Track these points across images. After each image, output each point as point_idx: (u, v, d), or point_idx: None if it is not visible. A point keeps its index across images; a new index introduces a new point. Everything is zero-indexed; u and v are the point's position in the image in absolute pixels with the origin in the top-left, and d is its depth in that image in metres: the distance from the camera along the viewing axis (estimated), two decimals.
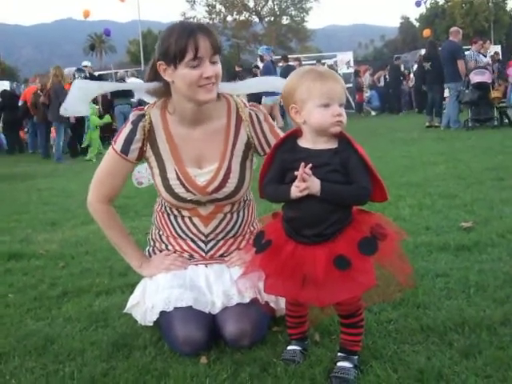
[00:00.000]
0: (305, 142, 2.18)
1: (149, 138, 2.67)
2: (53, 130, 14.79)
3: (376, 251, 2.12)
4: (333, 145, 2.14)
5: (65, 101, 2.91)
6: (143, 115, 2.67)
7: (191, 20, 60.03)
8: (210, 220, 2.71)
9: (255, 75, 15.18)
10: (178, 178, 2.63)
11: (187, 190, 2.63)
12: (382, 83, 25.29)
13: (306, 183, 2.07)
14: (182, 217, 2.73)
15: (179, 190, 2.63)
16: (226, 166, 2.65)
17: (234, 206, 2.73)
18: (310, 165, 2.06)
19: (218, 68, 2.50)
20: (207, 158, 2.66)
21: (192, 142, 2.65)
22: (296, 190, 2.09)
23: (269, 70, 14.49)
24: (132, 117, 2.69)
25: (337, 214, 2.14)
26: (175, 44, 2.41)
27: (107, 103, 16.42)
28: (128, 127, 2.68)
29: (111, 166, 2.74)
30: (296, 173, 2.08)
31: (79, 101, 2.94)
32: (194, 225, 2.72)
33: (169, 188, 2.65)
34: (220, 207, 2.70)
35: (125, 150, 2.67)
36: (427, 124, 14.57)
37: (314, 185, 2.08)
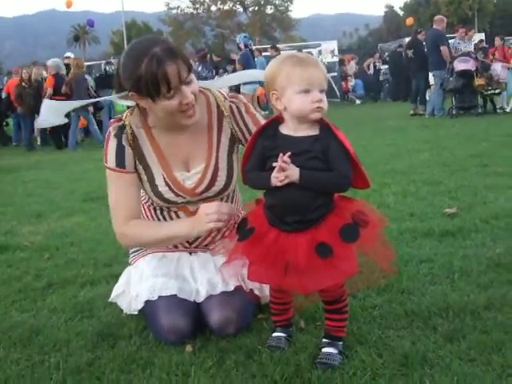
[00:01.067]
0: (286, 129, 2.18)
1: (134, 147, 2.57)
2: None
3: (357, 238, 2.12)
4: (314, 131, 2.14)
5: (40, 115, 2.92)
6: (123, 126, 2.57)
7: (174, 11, 60.07)
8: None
9: (233, 63, 15.14)
10: (167, 184, 2.58)
11: (177, 195, 2.60)
12: (371, 71, 25.27)
13: (285, 173, 2.06)
14: (169, 211, 2.70)
15: (168, 195, 2.60)
16: (213, 165, 2.61)
17: (222, 200, 2.70)
18: (289, 153, 2.06)
19: (195, 86, 2.43)
20: (193, 159, 2.62)
21: (177, 146, 2.60)
22: (276, 180, 2.09)
23: (247, 59, 14.30)
24: (112, 130, 2.58)
25: (318, 200, 2.13)
26: (146, 79, 2.28)
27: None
28: (113, 142, 2.56)
29: (116, 187, 2.60)
30: (275, 164, 2.07)
31: (52, 117, 2.94)
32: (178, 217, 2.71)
33: (158, 194, 2.61)
34: (208, 201, 2.64)
35: (120, 163, 2.56)
36: (412, 112, 14.61)
37: (294, 173, 2.07)
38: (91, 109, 13.43)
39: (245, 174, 2.29)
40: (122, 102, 2.72)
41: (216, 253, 2.67)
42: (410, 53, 15.25)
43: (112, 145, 2.57)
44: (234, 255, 2.31)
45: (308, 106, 2.08)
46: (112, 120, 2.65)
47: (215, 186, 2.62)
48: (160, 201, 2.63)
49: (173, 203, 2.63)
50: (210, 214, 2.42)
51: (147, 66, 2.28)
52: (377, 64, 24.88)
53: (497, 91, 13.39)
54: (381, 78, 24.81)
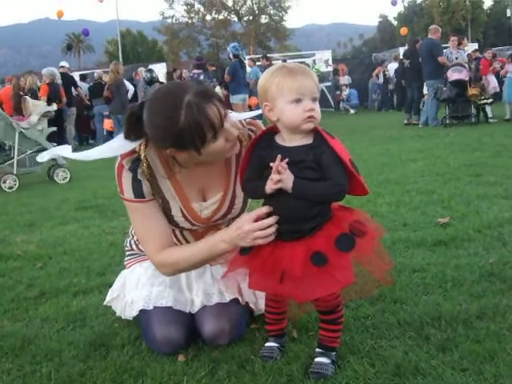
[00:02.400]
0: (280, 139, 2.18)
1: (151, 181, 2.44)
2: (108, 122, 15.27)
3: (353, 248, 2.11)
4: (308, 141, 2.14)
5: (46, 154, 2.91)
6: (138, 159, 2.41)
7: (169, 20, 60.15)
8: (202, 235, 2.57)
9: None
10: (184, 216, 2.52)
11: (192, 224, 2.55)
12: (381, 80, 24.80)
13: (279, 175, 2.06)
14: (174, 229, 2.61)
15: (184, 224, 2.55)
16: (231, 193, 2.55)
17: (230, 221, 2.60)
18: (287, 159, 2.06)
19: (231, 119, 2.31)
20: (211, 188, 2.54)
21: (194, 177, 2.49)
22: (270, 183, 2.09)
23: (235, 70, 14.16)
24: (126, 164, 2.40)
25: (314, 210, 2.13)
26: (189, 130, 2.14)
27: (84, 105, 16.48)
28: (127, 175, 2.41)
29: (141, 216, 2.46)
30: (272, 164, 2.08)
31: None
32: (184, 237, 2.65)
33: (173, 223, 2.54)
34: (218, 225, 2.62)
35: (139, 195, 2.42)
36: (405, 122, 14.64)
37: (288, 180, 2.07)
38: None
39: (243, 185, 2.29)
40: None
41: (215, 263, 2.65)
42: (406, 62, 15.28)
43: (127, 178, 2.42)
44: (234, 265, 2.31)
45: (299, 115, 2.08)
46: (123, 154, 2.42)
47: (231, 214, 2.57)
48: (174, 228, 2.57)
49: (187, 230, 2.60)
50: (248, 236, 2.20)
51: (188, 116, 2.13)
52: (386, 73, 24.52)
53: (489, 101, 13.43)
54: (391, 87, 24.51)
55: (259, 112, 2.56)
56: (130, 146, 2.37)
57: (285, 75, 2.10)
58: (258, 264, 2.20)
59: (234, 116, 2.55)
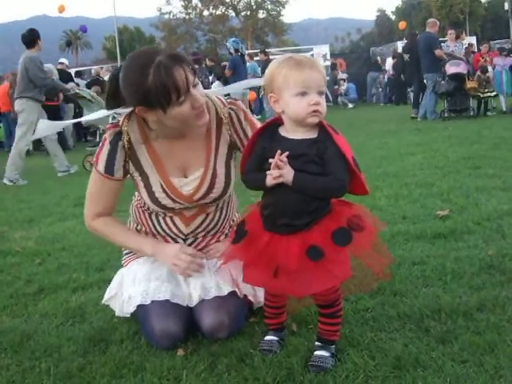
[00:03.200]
0: (285, 131, 2.17)
1: (130, 155, 2.56)
2: None
3: (350, 242, 2.10)
4: (312, 135, 2.12)
5: (36, 133, 2.92)
6: (120, 132, 2.53)
7: (166, 16, 60.10)
8: (191, 220, 2.66)
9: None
10: (164, 191, 2.56)
11: (174, 201, 2.58)
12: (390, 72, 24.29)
13: (280, 171, 2.05)
14: (164, 216, 2.67)
15: (166, 201, 2.58)
16: (211, 171, 2.59)
17: (218, 205, 2.70)
18: (287, 153, 2.05)
19: (201, 89, 2.41)
20: (192, 165, 2.59)
21: (175, 152, 2.58)
22: (270, 178, 2.08)
23: (236, 65, 14.11)
24: (109, 136, 2.54)
25: (313, 204, 2.12)
26: (155, 89, 2.23)
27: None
28: (106, 147, 2.55)
29: (100, 186, 2.62)
30: (271, 160, 2.07)
31: (46, 132, 2.95)
32: (174, 224, 2.68)
33: (155, 201, 2.59)
34: (204, 208, 2.66)
35: (109, 170, 2.56)
36: (413, 115, 14.48)
37: (288, 173, 2.06)
38: None
39: (244, 175, 2.27)
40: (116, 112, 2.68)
41: (210, 257, 2.66)
42: (406, 57, 15.24)
43: (104, 151, 2.55)
44: (229, 257, 2.31)
45: (304, 109, 2.06)
46: (109, 125, 2.60)
47: (213, 193, 2.60)
48: (157, 207, 2.61)
49: (169, 209, 2.61)
50: (180, 260, 2.55)
51: (155, 75, 2.23)
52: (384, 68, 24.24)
53: (492, 94, 13.45)
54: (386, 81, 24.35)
55: (236, 88, 2.71)
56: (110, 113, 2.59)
57: (291, 67, 2.08)
58: (253, 257, 2.20)
59: (212, 92, 2.72)
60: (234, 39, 14.98)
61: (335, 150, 2.08)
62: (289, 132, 2.15)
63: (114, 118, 7.67)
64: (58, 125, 3.35)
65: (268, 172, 2.09)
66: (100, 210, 2.66)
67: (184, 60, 2.31)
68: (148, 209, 2.70)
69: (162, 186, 2.56)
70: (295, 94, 2.07)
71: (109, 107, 2.56)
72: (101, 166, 2.57)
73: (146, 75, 2.24)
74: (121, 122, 2.56)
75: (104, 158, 2.55)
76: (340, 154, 2.08)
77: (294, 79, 2.07)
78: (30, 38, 9.25)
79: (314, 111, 2.07)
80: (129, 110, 2.52)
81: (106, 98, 2.54)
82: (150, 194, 2.58)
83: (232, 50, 14.26)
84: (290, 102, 2.09)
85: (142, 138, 2.56)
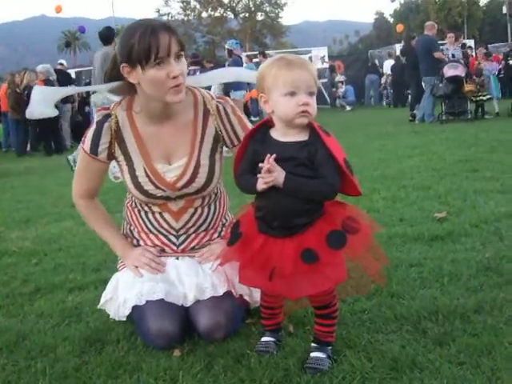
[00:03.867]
0: (276, 133, 2.16)
1: (116, 137, 2.62)
2: None
3: (344, 245, 2.09)
4: (303, 137, 2.11)
5: (29, 105, 2.90)
6: (109, 115, 2.62)
7: (165, 17, 60.13)
8: (180, 215, 2.69)
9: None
10: (147, 175, 2.60)
11: (156, 187, 2.60)
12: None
13: (271, 174, 2.04)
14: (153, 212, 2.70)
15: (148, 187, 2.61)
16: (195, 160, 2.62)
17: (204, 199, 2.71)
18: (274, 155, 2.04)
19: (184, 65, 2.46)
20: (176, 152, 2.63)
21: (160, 138, 2.62)
22: (261, 182, 2.07)
23: (237, 66, 14.11)
24: (97, 117, 2.65)
25: (306, 206, 2.11)
26: (138, 45, 2.35)
27: (83, 100, 16.38)
28: (93, 127, 2.64)
29: (85, 165, 2.71)
30: (261, 164, 2.06)
31: (42, 105, 2.93)
32: (164, 220, 2.69)
33: (138, 185, 2.62)
34: (190, 202, 2.68)
35: (93, 150, 2.63)
36: (410, 118, 14.50)
37: (279, 176, 2.05)
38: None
39: (237, 178, 2.27)
40: (111, 97, 2.71)
41: (205, 260, 2.66)
42: (403, 59, 15.25)
43: (91, 131, 2.64)
44: (225, 259, 2.31)
45: (293, 109, 2.05)
46: (100, 107, 2.72)
47: (195, 183, 2.62)
48: (140, 193, 2.63)
49: (152, 196, 2.63)
50: (139, 261, 2.66)
51: (141, 34, 2.35)
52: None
53: (487, 97, 13.47)
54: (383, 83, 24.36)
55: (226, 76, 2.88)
56: (107, 86, 2.67)
57: (281, 67, 2.07)
58: (248, 258, 2.19)
59: (203, 81, 2.91)
60: (235, 41, 14.87)
61: (326, 153, 2.07)
62: (279, 134, 2.14)
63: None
64: (56, 92, 3.31)
65: (259, 175, 2.08)
66: (84, 190, 2.76)
67: (174, 31, 2.42)
68: (137, 205, 2.73)
69: (145, 170, 2.61)
70: (284, 93, 2.06)
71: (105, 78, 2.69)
72: (86, 145, 2.65)
73: (134, 34, 2.37)
74: (111, 106, 2.66)
75: (90, 137, 2.64)
76: (330, 157, 2.07)
77: (283, 79, 2.06)
78: (107, 35, 10.09)
79: (303, 112, 2.06)
80: (120, 97, 2.66)
81: (104, 74, 2.69)
82: (133, 178, 2.63)
83: (236, 52, 14.15)
84: (278, 101, 2.08)
85: (129, 122, 2.63)
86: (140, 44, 2.34)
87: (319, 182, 2.07)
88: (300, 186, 2.07)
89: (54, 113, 2.97)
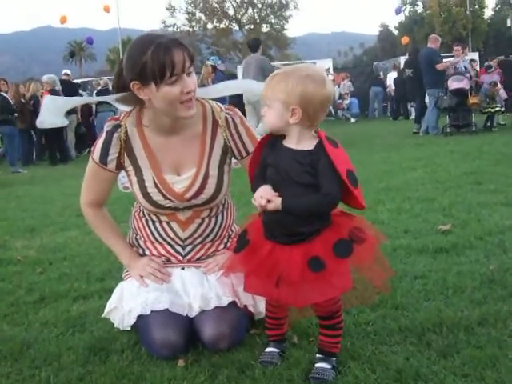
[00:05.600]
0: (286, 141, 2.19)
1: (125, 148, 2.63)
2: None
3: (351, 254, 2.11)
4: (310, 146, 2.14)
5: (40, 114, 2.91)
6: (119, 125, 2.63)
7: (170, 28, 60.32)
8: (187, 225, 2.69)
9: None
10: (156, 186, 2.61)
11: (165, 198, 2.61)
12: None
13: (266, 206, 2.11)
14: (160, 222, 2.71)
15: (157, 197, 2.61)
16: (203, 172, 2.63)
17: (212, 210, 2.72)
18: (273, 193, 2.12)
19: (194, 78, 2.48)
20: (185, 164, 2.64)
21: (169, 150, 2.63)
22: (257, 205, 2.15)
23: (221, 81, 14.09)
24: (107, 127, 2.65)
25: (311, 216, 2.14)
26: (152, 63, 2.33)
27: (87, 111, 16.40)
28: (102, 137, 2.65)
29: (94, 174, 2.72)
30: (254, 200, 2.13)
31: (53, 114, 2.94)
32: (171, 230, 2.70)
33: (147, 196, 2.63)
34: (198, 212, 2.68)
35: (103, 160, 2.64)
36: (414, 130, 14.49)
37: (276, 203, 2.10)
38: None
39: (251, 183, 2.30)
40: (119, 107, 2.72)
41: (210, 271, 2.66)
42: (408, 72, 15.20)
43: (101, 140, 2.65)
44: (230, 268, 2.32)
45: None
46: (110, 117, 2.72)
47: (203, 194, 2.62)
48: (148, 204, 2.64)
49: (160, 207, 2.64)
50: (144, 271, 2.67)
51: (154, 52, 2.33)
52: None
53: (495, 109, 13.48)
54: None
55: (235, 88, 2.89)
56: (115, 97, 2.67)
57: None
58: (255, 266, 2.21)
59: (212, 93, 2.93)
60: (217, 57, 15.04)
61: (327, 163, 2.08)
62: (289, 142, 2.17)
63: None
64: (67, 102, 3.32)
65: (254, 203, 2.15)
66: (92, 198, 2.77)
67: (185, 46, 2.41)
68: (144, 214, 2.74)
69: (154, 181, 2.62)
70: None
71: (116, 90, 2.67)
72: (96, 155, 2.66)
73: (145, 51, 2.35)
74: (121, 116, 2.66)
75: (99, 147, 2.65)
76: (332, 167, 2.08)
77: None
78: (255, 44, 12.02)
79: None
80: (129, 108, 2.66)
81: (114, 80, 2.68)
82: (142, 188, 2.63)
83: (220, 67, 14.22)
84: None
85: (138, 133, 2.63)
86: (154, 62, 2.33)
87: (316, 196, 2.10)
88: (298, 206, 2.11)
89: (64, 123, 2.99)
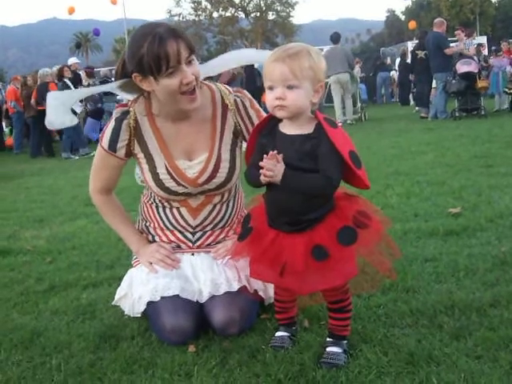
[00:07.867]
0: (282, 126, 2.15)
1: (135, 134, 2.62)
2: None
3: (355, 241, 2.08)
4: (308, 130, 2.10)
5: (46, 115, 2.88)
6: (127, 112, 2.62)
7: (176, 18, 60.21)
8: (198, 212, 2.67)
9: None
10: (168, 173, 2.59)
11: (178, 184, 2.59)
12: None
13: (270, 172, 2.04)
14: (171, 208, 2.69)
15: (170, 184, 2.60)
16: (215, 156, 2.61)
17: (223, 196, 2.70)
18: (277, 153, 2.04)
19: (196, 68, 2.45)
20: (196, 149, 2.62)
21: (180, 135, 2.61)
22: (262, 176, 2.07)
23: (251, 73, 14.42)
24: (115, 113, 2.64)
25: (312, 202, 2.10)
26: (147, 56, 2.33)
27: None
28: (112, 124, 2.63)
29: (103, 161, 2.71)
30: (261, 164, 2.05)
31: (60, 112, 2.91)
32: (182, 217, 2.69)
33: (159, 183, 2.61)
34: (210, 197, 2.67)
35: (112, 147, 2.63)
36: (422, 115, 14.40)
37: (278, 174, 2.04)
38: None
39: (246, 171, 2.26)
40: (122, 95, 2.71)
41: (219, 256, 2.65)
42: (421, 54, 15.00)
43: (110, 127, 2.64)
44: (235, 254, 2.30)
45: (271, 103, 2.08)
46: (118, 104, 2.74)
47: (216, 178, 2.61)
48: (161, 191, 2.62)
49: (173, 193, 2.62)
50: (153, 258, 2.65)
51: (149, 44, 2.33)
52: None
53: None
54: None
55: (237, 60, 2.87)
56: (118, 84, 2.65)
57: (269, 59, 2.09)
58: (259, 253, 2.19)
59: (214, 67, 2.94)
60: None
61: (328, 146, 2.05)
62: (285, 127, 2.14)
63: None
64: (71, 96, 3.29)
65: (261, 171, 2.07)
66: (101, 185, 2.76)
67: (181, 36, 2.39)
68: (154, 201, 2.73)
69: (166, 167, 2.60)
70: (267, 87, 2.09)
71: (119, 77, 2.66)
72: (105, 142, 2.65)
73: (143, 43, 2.36)
74: (129, 103, 2.66)
75: (108, 134, 2.64)
76: (333, 150, 2.04)
77: (266, 72, 2.10)
78: (338, 37, 14.20)
79: (277, 106, 2.06)
80: (133, 96, 2.66)
81: (114, 76, 2.70)
82: (154, 175, 2.62)
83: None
84: (267, 95, 2.11)
85: (148, 120, 2.63)
86: (149, 56, 2.34)
87: (317, 177, 2.05)
88: (296, 182, 2.06)
89: (74, 121, 2.96)
